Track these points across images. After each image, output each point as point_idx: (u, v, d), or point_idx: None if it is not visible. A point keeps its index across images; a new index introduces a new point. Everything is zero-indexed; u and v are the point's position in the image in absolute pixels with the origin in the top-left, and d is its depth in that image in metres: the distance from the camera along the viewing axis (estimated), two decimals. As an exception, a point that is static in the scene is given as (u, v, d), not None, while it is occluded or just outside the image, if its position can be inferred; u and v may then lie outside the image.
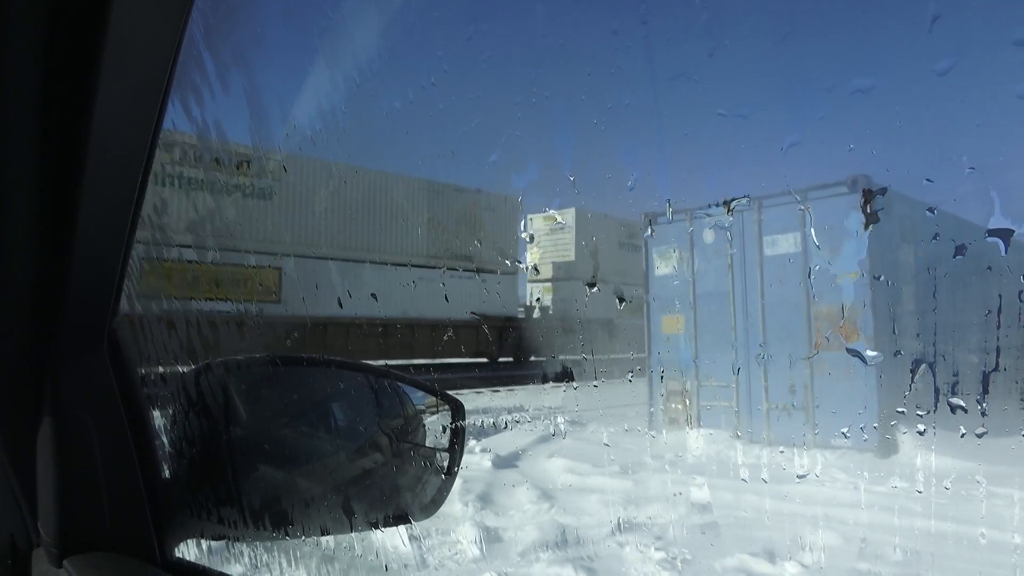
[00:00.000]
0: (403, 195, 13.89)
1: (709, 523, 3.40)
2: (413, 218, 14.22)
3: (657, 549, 3.08)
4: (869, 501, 3.44)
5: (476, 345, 14.16)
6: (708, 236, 6.09)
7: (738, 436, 5.45)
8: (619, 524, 3.46)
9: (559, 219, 16.18)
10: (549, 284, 17.58)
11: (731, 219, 5.76)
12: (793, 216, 5.24)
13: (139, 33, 0.60)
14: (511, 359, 15.28)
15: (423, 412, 1.10)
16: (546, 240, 16.83)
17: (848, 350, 4.38)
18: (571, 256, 16.77)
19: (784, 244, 5.53)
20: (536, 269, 17.58)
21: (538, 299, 17.68)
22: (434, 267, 13.11)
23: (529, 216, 16.87)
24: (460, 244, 14.88)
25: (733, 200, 5.44)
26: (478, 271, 13.76)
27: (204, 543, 0.89)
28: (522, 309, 17.38)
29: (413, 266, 13.31)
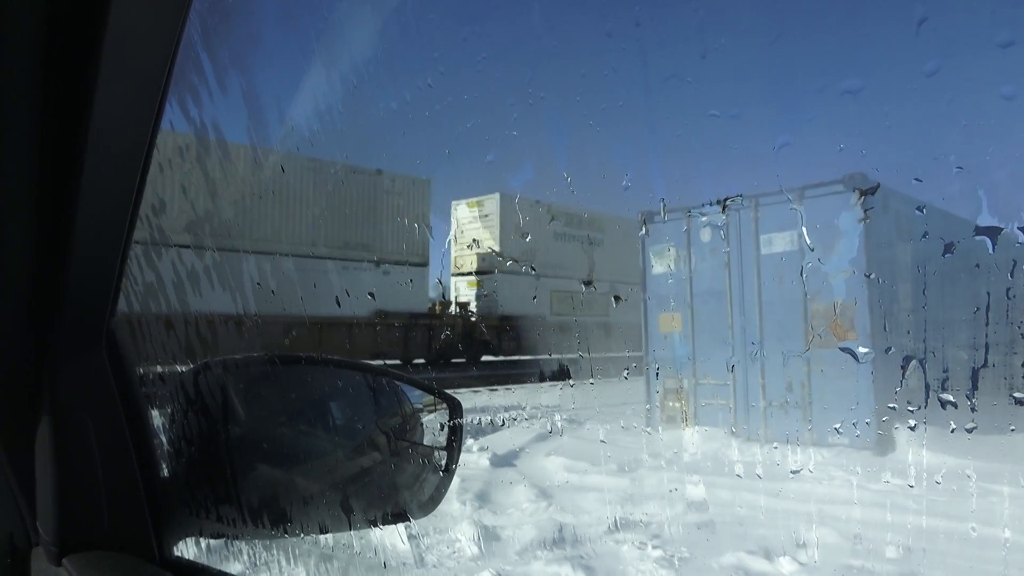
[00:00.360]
0: (286, 176, 11.71)
1: (705, 520, 3.41)
2: (299, 202, 12.34)
3: (655, 547, 3.09)
4: (864, 498, 3.46)
5: (375, 346, 12.50)
6: (705, 234, 6.09)
7: (735, 433, 5.46)
8: (617, 522, 3.47)
9: (483, 206, 14.63)
10: (474, 277, 15.79)
11: (725, 217, 5.77)
12: (790, 214, 5.25)
13: (137, 33, 0.61)
14: (423, 360, 13.52)
15: (420, 410, 1.11)
16: (470, 229, 15.32)
17: (840, 348, 4.40)
18: (496, 246, 15.04)
19: (781, 242, 5.54)
20: (459, 262, 15.78)
21: (458, 294, 15.85)
22: (324, 257, 11.32)
23: (454, 203, 15.08)
24: (357, 231, 12.87)
25: (729, 199, 5.45)
26: (379, 262, 12.44)
27: (203, 541, 0.89)
28: (439, 306, 15.57)
29: (298, 256, 11.49)
